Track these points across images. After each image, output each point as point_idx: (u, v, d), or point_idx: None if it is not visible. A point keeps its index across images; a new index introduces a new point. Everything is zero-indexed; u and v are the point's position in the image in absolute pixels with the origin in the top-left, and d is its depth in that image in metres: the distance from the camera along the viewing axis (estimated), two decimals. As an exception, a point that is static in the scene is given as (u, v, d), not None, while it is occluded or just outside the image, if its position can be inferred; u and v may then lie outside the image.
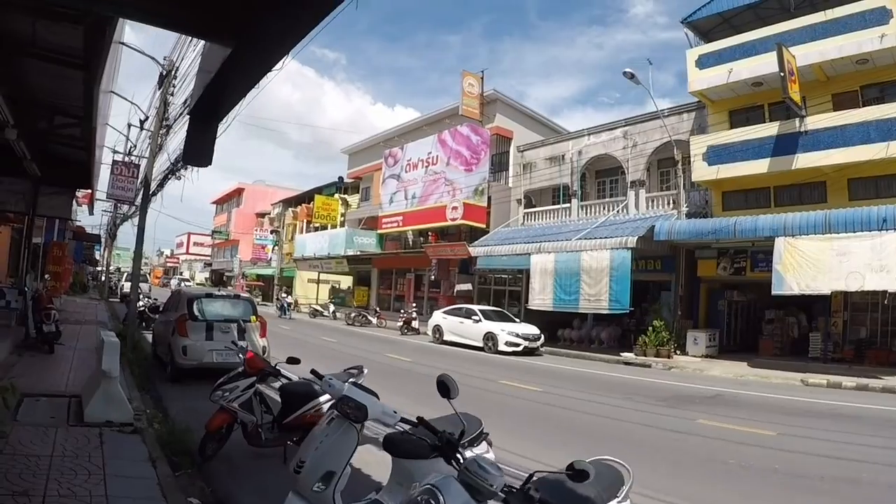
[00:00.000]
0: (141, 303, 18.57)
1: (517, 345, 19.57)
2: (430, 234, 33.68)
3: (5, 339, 11.87)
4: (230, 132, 13.57)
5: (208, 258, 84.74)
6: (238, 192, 75.02)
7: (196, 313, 11.13)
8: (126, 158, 20.78)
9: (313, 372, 4.33)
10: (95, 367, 7.74)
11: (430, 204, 30.89)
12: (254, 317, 11.91)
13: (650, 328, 19.71)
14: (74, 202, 34.42)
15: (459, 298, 27.73)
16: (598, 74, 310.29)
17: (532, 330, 20.41)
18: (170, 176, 16.79)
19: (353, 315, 30.43)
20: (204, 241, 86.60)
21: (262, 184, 74.59)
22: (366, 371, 6.37)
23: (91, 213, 31.85)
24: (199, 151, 6.34)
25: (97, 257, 61.70)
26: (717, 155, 19.92)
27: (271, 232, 57.44)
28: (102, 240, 48.66)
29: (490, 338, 20.10)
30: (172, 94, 14.65)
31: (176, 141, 19.54)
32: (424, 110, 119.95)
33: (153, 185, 17.02)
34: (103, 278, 46.84)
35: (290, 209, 56.00)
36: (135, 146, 19.18)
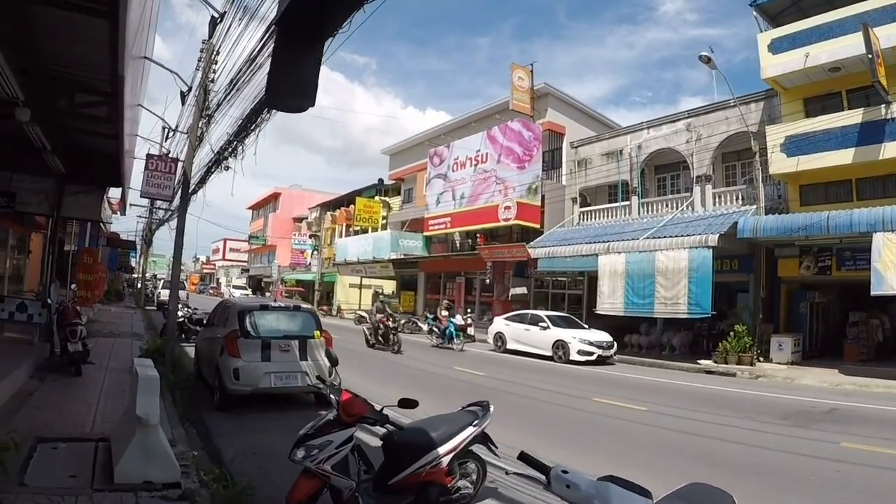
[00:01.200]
0: (180, 312, 17.55)
1: (590, 353, 18.54)
2: (478, 235, 32.87)
3: (25, 359, 10.54)
4: (261, 137, 12.42)
5: (245, 264, 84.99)
6: (274, 197, 75.28)
7: (249, 329, 9.57)
8: (163, 149, 19.71)
9: (523, 457, 2.75)
10: (128, 405, 6.11)
11: (481, 204, 30.06)
12: (317, 332, 10.24)
13: (731, 333, 18.53)
14: (106, 206, 33.91)
15: (515, 303, 26.86)
16: (629, 74, 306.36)
17: (604, 337, 19.35)
18: (214, 168, 14.87)
19: (402, 322, 29.48)
20: (240, 246, 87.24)
21: (299, 188, 74.63)
22: (492, 409, 5.32)
23: (123, 213, 29.65)
24: (294, 84, 4.19)
25: (132, 264, 61.81)
26: (796, 146, 18.77)
27: (310, 236, 57.16)
28: (138, 246, 48.30)
29: (560, 346, 19.06)
30: (217, 56, 13.25)
31: (219, 131, 18.10)
32: (455, 113, 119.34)
33: (193, 182, 15.64)
34: (139, 285, 46.71)
35: (328, 213, 55.84)
36: (173, 130, 17.85)
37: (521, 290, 27.76)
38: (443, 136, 34.90)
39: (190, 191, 14.20)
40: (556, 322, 20.19)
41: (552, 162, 29.73)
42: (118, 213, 50.97)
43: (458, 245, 34.99)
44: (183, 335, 17.17)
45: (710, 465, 7.45)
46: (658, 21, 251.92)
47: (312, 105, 4.28)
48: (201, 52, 13.57)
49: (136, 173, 17.19)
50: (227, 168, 13.84)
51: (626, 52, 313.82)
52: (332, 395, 4.87)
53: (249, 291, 58.87)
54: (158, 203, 35.92)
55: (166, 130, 17.95)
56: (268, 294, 63.15)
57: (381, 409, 4.83)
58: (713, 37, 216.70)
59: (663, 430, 9.39)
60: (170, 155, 17.38)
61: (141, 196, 16.05)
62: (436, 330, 23.48)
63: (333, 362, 9.66)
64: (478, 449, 5.35)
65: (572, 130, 30.19)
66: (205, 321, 16.27)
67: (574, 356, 18.46)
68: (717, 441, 8.67)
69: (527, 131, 28.86)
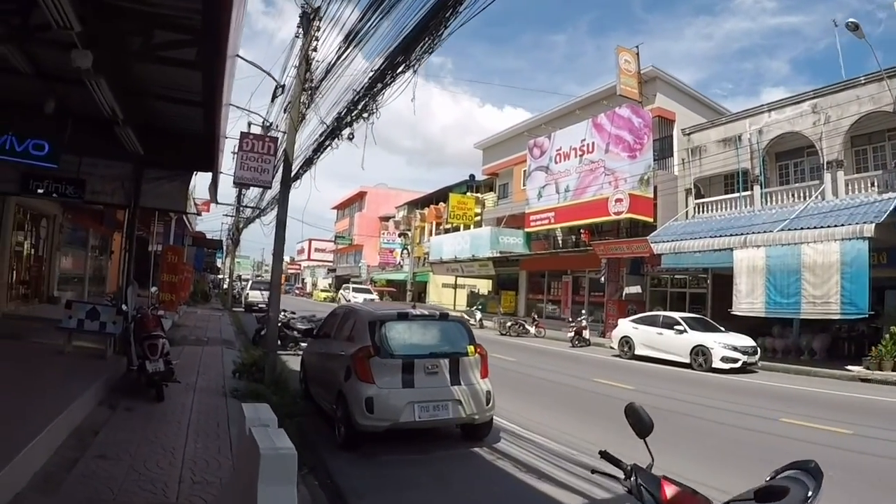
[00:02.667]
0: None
1: (735, 360, 16.78)
2: (581, 231, 31.52)
3: (95, 379, 8.39)
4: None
5: (331, 264, 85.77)
6: (360, 196, 75.80)
7: (385, 346, 7.50)
8: (265, 122, 17.67)
9: None
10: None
11: (588, 197, 28.62)
12: (471, 347, 8.01)
13: (887, 336, 16.55)
14: (192, 205, 33.09)
15: (630, 303, 25.29)
16: (708, 66, 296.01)
17: (747, 342, 17.51)
18: (329, 142, 12.30)
19: (508, 324, 28.39)
20: (325, 246, 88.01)
21: (385, 187, 74.66)
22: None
23: (215, 200, 26.53)
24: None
25: (218, 265, 62.61)
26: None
27: (399, 235, 56.93)
28: (224, 245, 48.16)
29: (700, 352, 17.37)
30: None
31: (328, 100, 15.54)
32: (534, 111, 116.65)
33: (297, 164, 13.32)
34: (225, 286, 47.10)
35: (416, 211, 55.53)
36: (281, 87, 14.37)
37: (636, 289, 26.20)
38: (545, 126, 33.53)
39: (292, 175, 12.39)
40: (692, 325, 18.48)
41: (662, 151, 28.09)
42: (203, 212, 50.85)
43: (559, 242, 33.71)
44: (279, 342, 14.90)
45: None
46: (736, 11, 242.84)
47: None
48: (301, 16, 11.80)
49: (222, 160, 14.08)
50: (351, 137, 11.49)
51: (704, 44, 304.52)
52: (641, 486, 2.62)
53: (376, 296, 46.64)
54: (248, 198, 35.79)
55: (276, 88, 14.77)
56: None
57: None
58: (794, 24, 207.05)
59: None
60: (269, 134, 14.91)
61: (234, 183, 13.30)
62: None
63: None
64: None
65: (682, 117, 28.57)
66: (313, 329, 14.56)
67: (717, 363, 16.76)
68: None
69: (636, 118, 27.27)
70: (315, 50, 11.72)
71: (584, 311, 26.75)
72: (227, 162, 12.19)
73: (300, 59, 11.75)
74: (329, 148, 12.44)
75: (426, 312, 8.63)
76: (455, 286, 41.97)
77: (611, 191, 27.10)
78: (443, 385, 7.50)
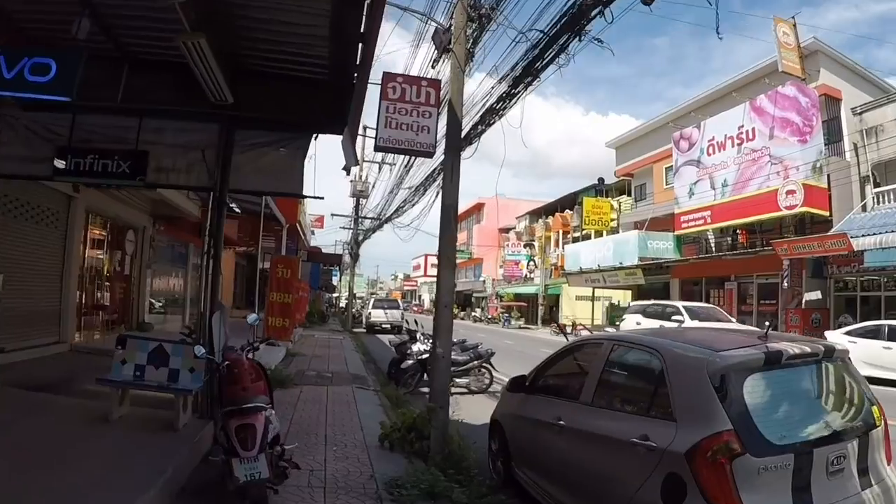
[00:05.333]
0: (421, 346, 12.61)
1: None
2: (737, 231, 28.47)
3: (152, 479, 5.01)
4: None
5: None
6: (478, 208, 75.04)
7: (756, 428, 3.76)
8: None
9: None
10: None
11: (751, 191, 25.65)
12: (875, 408, 4.39)
13: None
14: (306, 220, 31.43)
15: (814, 311, 22.16)
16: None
17: None
18: (531, 80, 8.32)
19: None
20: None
21: (503, 197, 73.09)
22: None
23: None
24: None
25: (334, 283, 61.94)
26: None
27: (524, 246, 55.37)
28: (344, 259, 46.67)
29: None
30: None
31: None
32: (641, 117, 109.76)
33: (469, 121, 9.69)
34: (343, 304, 45.96)
35: (540, 220, 54.04)
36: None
37: (816, 294, 22.99)
38: (693, 114, 30.56)
39: (462, 135, 8.91)
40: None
41: (829, 134, 24.93)
42: (316, 229, 49.26)
43: (711, 245, 30.68)
44: (420, 375, 12.43)
45: None
46: (839, 0, 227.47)
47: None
48: None
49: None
50: (563, 65, 7.55)
51: (808, 35, 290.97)
52: None
53: (686, 318, 21.03)
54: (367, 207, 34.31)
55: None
56: (480, 310, 61.78)
57: None
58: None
59: None
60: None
61: (376, 147, 8.49)
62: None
63: None
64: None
65: (847, 95, 25.46)
66: (475, 358, 12.73)
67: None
68: None
69: (803, 96, 24.21)
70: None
71: (767, 323, 23.64)
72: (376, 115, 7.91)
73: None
74: (519, 97, 8.72)
75: (797, 348, 4.25)
76: (592, 298, 39.42)
77: (780, 182, 24.06)
78: (852, 493, 3.93)
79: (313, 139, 8.41)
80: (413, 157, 15.38)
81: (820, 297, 23.17)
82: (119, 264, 15.39)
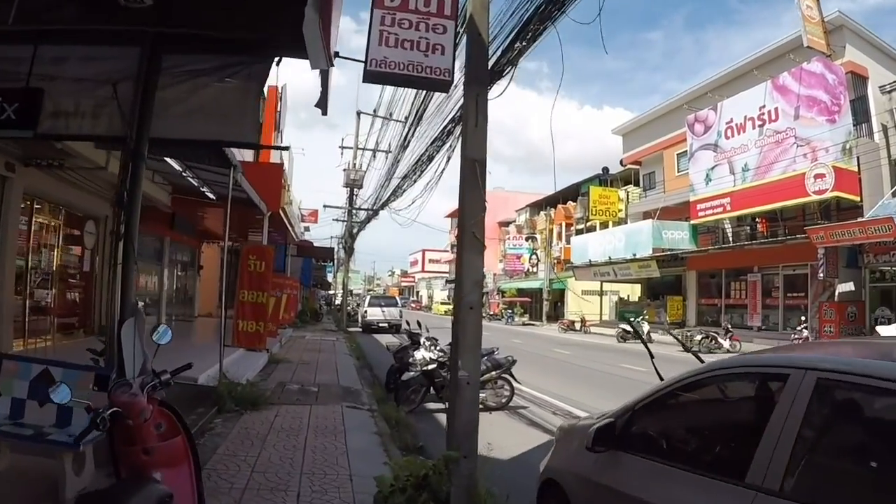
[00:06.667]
0: (429, 353, 10.37)
1: None
2: (756, 219, 27.03)
3: None
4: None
5: (447, 275, 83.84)
6: (475, 201, 73.28)
7: None
8: None
9: None
10: None
11: (776, 175, 24.18)
12: None
13: None
14: (296, 211, 29.66)
15: (849, 304, 20.63)
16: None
17: None
18: None
19: (697, 338, 23.90)
20: (440, 257, 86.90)
21: (502, 190, 71.70)
22: None
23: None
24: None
25: (328, 279, 60.43)
26: None
27: (526, 239, 53.93)
28: (336, 253, 44.51)
29: None
30: None
31: None
32: (636, 110, 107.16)
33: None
34: (337, 301, 44.11)
35: (541, 213, 52.99)
36: None
37: (849, 286, 21.40)
38: (710, 94, 28.98)
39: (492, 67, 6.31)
40: None
41: (855, 115, 23.60)
42: (309, 223, 46.70)
43: (728, 234, 29.19)
44: (429, 389, 10.39)
45: None
46: None
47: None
48: None
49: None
50: None
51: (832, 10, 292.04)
52: None
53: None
54: (359, 200, 32.38)
55: None
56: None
57: None
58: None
59: None
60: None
61: (366, 74, 5.31)
62: None
63: None
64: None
65: (874, 73, 24.26)
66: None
67: None
68: None
69: (830, 73, 22.74)
70: None
71: (803, 318, 22.19)
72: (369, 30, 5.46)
73: None
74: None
75: None
76: (601, 293, 37.89)
77: (807, 165, 22.51)
78: None
79: (274, 65, 5.72)
80: (420, 95, 12.06)
81: (853, 288, 21.60)
82: (78, 260, 13.20)
